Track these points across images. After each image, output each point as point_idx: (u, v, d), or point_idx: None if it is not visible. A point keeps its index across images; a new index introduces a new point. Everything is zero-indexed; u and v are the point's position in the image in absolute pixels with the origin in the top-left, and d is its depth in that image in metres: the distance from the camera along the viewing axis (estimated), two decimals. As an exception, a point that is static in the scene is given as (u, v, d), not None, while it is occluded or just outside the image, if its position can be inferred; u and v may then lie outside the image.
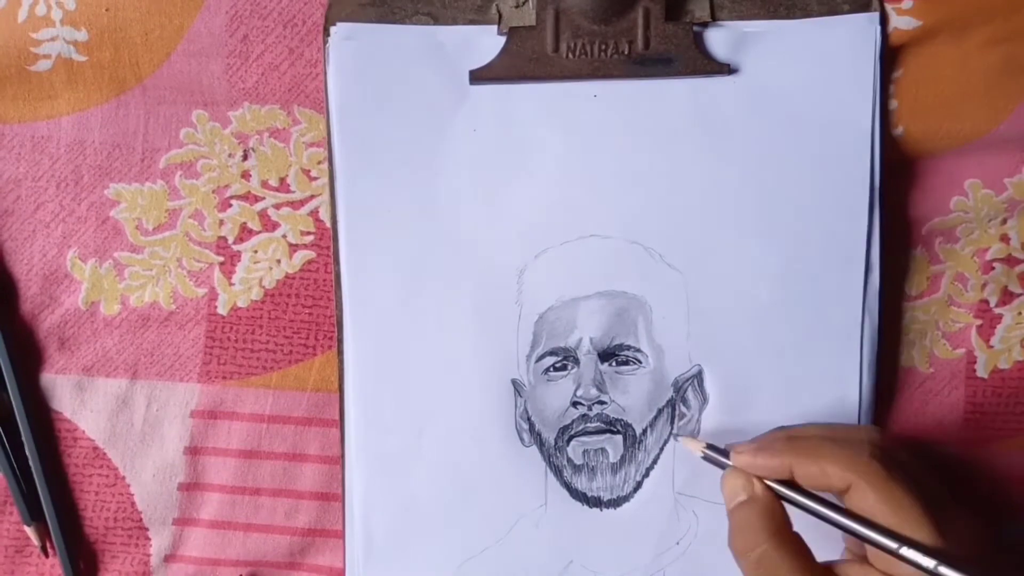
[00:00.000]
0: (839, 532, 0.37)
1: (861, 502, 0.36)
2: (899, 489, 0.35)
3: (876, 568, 0.37)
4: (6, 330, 0.45)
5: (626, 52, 0.42)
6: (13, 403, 0.45)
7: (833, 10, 0.42)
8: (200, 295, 0.46)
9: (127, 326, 0.46)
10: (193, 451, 0.46)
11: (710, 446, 0.41)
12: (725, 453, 0.40)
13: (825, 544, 0.38)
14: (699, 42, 0.42)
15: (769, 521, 0.37)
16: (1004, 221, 0.45)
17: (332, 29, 0.43)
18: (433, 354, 0.44)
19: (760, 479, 0.38)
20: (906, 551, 0.34)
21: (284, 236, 0.45)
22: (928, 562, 0.34)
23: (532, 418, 0.44)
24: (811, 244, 0.43)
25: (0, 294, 0.45)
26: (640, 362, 0.44)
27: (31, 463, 0.45)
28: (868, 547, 0.37)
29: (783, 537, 0.37)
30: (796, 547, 0.37)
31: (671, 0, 0.42)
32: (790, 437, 0.39)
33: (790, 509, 0.38)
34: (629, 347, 0.44)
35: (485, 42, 0.43)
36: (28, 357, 0.46)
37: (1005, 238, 0.45)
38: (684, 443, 0.42)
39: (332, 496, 0.46)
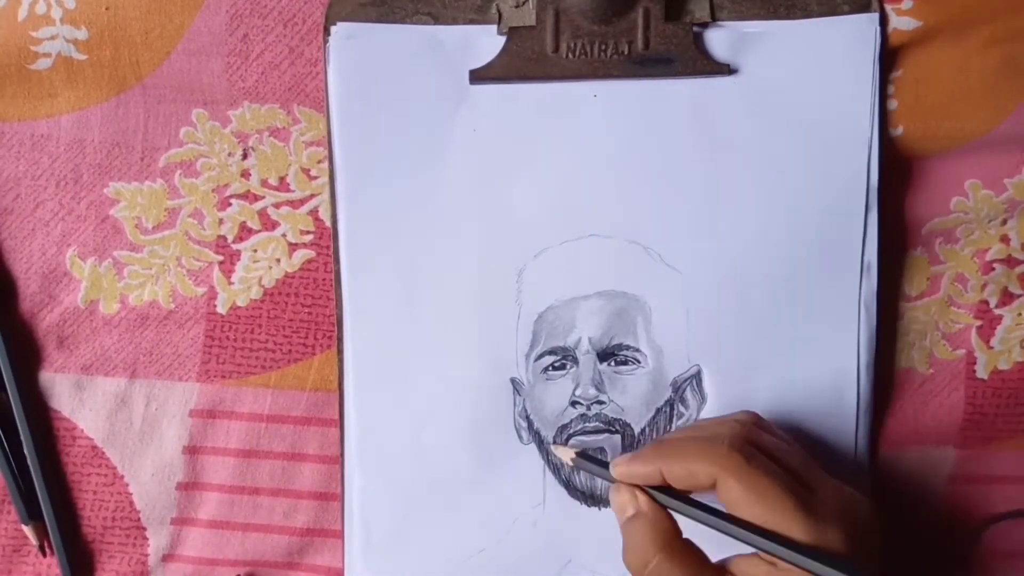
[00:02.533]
0: None
1: (728, 494, 0.36)
2: (760, 476, 0.36)
3: (763, 559, 0.37)
4: (5, 328, 0.45)
5: (626, 52, 0.42)
6: (12, 402, 0.45)
7: (833, 11, 0.42)
8: (199, 294, 0.46)
9: (126, 325, 0.46)
10: (192, 450, 0.46)
11: (581, 454, 0.41)
12: (604, 464, 0.40)
13: (727, 541, 0.38)
14: (699, 42, 0.42)
15: (657, 534, 0.37)
16: (1004, 222, 0.45)
17: (332, 28, 0.43)
18: (432, 353, 0.44)
19: (644, 492, 0.38)
20: (771, 547, 0.35)
21: (284, 235, 0.45)
22: (792, 556, 0.35)
23: (531, 417, 0.44)
24: (809, 244, 0.43)
25: (-1, 293, 0.46)
26: (639, 362, 0.44)
27: (29, 462, 0.45)
28: None
29: (673, 548, 0.37)
30: (687, 555, 0.37)
31: (671, 0, 0.42)
32: (659, 442, 0.40)
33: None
34: (628, 347, 0.44)
35: (485, 42, 0.43)
36: (27, 355, 0.46)
37: (1005, 239, 0.45)
38: (555, 451, 0.43)
39: (331, 496, 0.46)
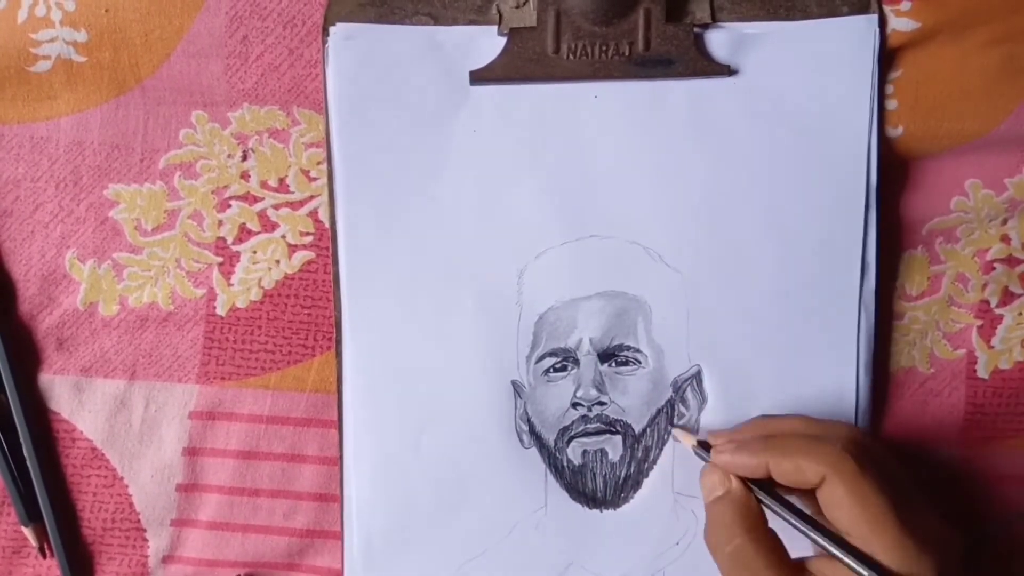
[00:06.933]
0: None
1: (832, 494, 0.36)
2: (868, 484, 0.36)
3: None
4: (4, 330, 0.45)
5: (626, 53, 0.42)
6: (11, 403, 0.45)
7: (832, 12, 0.42)
8: (199, 296, 0.46)
9: (125, 327, 0.46)
10: (191, 452, 0.46)
11: (702, 443, 0.42)
12: (708, 447, 0.41)
13: (800, 540, 0.38)
14: (699, 43, 0.42)
15: (744, 517, 0.38)
16: (1004, 221, 0.45)
17: (331, 29, 0.42)
18: (432, 355, 0.44)
19: (738, 477, 0.39)
20: (858, 567, 0.35)
21: (283, 237, 0.45)
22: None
23: (532, 419, 0.44)
24: (809, 244, 0.43)
25: (-2, 294, 0.46)
26: (640, 362, 0.44)
27: (29, 464, 0.45)
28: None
29: (757, 533, 0.38)
30: (770, 543, 0.38)
31: (672, 1, 0.42)
32: (768, 436, 0.40)
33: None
34: (629, 347, 0.43)
35: (485, 42, 0.43)
36: (26, 357, 0.46)
37: (1006, 238, 0.45)
38: (677, 435, 0.43)
39: (331, 497, 0.46)
